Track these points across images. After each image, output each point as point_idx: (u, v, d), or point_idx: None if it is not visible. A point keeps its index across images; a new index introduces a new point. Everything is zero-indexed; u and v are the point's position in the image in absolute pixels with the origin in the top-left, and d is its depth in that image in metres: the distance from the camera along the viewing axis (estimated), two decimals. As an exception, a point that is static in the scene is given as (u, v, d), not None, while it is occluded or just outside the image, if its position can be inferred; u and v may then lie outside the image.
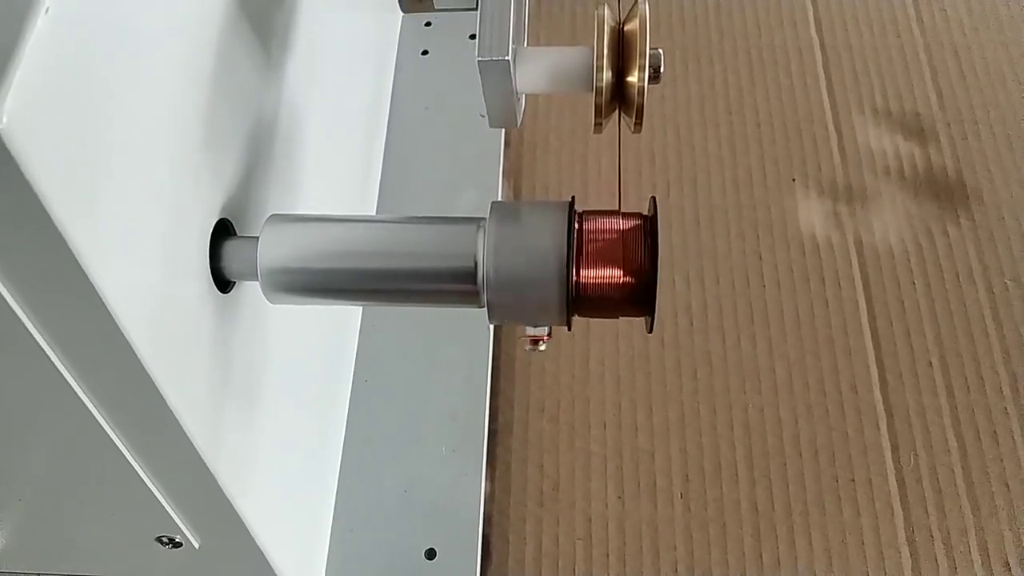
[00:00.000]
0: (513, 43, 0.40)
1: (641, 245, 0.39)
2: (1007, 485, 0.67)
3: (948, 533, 0.65)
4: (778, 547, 0.65)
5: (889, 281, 0.76)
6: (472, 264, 0.40)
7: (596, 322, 0.72)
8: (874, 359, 0.72)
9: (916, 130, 0.83)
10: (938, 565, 0.64)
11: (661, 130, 0.84)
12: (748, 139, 0.84)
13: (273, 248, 0.41)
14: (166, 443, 0.41)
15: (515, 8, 0.40)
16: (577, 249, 0.39)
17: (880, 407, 0.70)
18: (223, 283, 0.44)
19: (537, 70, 0.42)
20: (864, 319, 0.74)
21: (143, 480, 0.44)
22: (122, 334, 0.34)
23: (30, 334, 0.35)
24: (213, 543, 0.50)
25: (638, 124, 0.41)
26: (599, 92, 0.40)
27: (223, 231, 0.43)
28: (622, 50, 0.40)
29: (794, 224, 0.79)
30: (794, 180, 0.81)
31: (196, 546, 0.50)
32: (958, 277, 0.75)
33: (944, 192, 0.80)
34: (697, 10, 0.92)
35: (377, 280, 0.41)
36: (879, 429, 0.69)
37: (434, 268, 0.41)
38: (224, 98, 0.43)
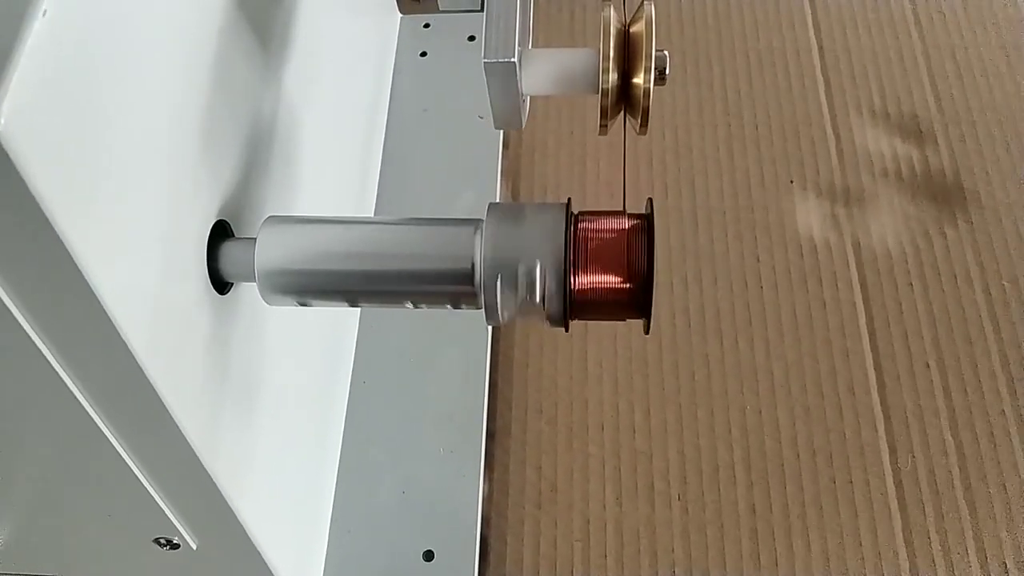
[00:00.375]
0: (519, 45, 0.40)
1: (638, 245, 0.39)
2: (1004, 487, 0.67)
3: (945, 534, 0.65)
4: (776, 549, 0.65)
5: (887, 283, 0.76)
6: (469, 266, 0.40)
7: (594, 324, 0.71)
8: (872, 361, 0.72)
9: (914, 132, 0.83)
10: (935, 566, 0.64)
11: (659, 132, 0.84)
12: (746, 141, 0.84)
13: (270, 249, 0.41)
14: (163, 444, 0.41)
15: (521, 9, 0.40)
16: (574, 251, 0.39)
17: (878, 409, 0.70)
18: (221, 284, 0.44)
19: (542, 72, 0.41)
20: (862, 321, 0.74)
21: (141, 481, 0.44)
22: (119, 335, 0.35)
23: (27, 335, 0.35)
24: (211, 544, 0.50)
25: (643, 126, 0.41)
26: (605, 94, 0.40)
27: (221, 232, 0.43)
28: (628, 52, 0.40)
29: (792, 226, 0.79)
30: (792, 182, 0.81)
31: (194, 547, 0.50)
32: (956, 279, 0.76)
33: (942, 194, 0.80)
34: (695, 12, 0.92)
35: (375, 282, 0.41)
36: (877, 431, 0.69)
37: (432, 270, 0.41)
38: (222, 100, 0.43)
